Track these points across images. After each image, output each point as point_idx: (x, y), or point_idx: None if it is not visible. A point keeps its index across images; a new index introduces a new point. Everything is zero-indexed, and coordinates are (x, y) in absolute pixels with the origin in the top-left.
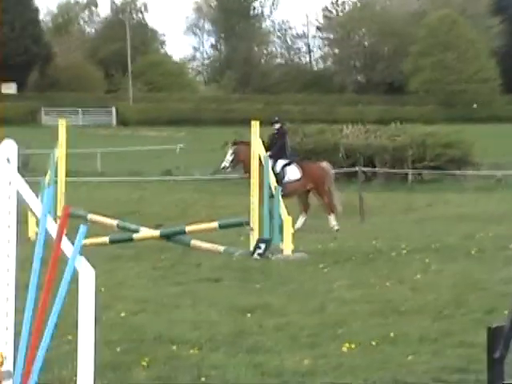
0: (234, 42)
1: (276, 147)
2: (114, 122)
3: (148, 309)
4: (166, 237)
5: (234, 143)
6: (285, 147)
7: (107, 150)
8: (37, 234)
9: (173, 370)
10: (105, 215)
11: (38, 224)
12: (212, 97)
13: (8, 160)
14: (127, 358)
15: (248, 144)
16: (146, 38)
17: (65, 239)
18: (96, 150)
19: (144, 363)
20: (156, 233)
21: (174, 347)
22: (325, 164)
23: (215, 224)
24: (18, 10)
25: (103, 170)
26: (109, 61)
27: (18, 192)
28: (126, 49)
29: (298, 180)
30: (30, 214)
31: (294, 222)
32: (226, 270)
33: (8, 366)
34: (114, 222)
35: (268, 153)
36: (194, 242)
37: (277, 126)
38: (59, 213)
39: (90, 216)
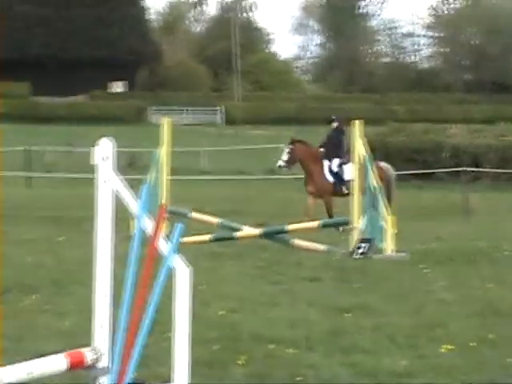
0: (340, 40)
1: (331, 144)
2: (221, 120)
3: (246, 307)
4: (268, 235)
5: (291, 142)
6: (341, 145)
7: (212, 148)
8: None
9: (269, 369)
10: (208, 213)
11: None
12: (318, 95)
13: (105, 158)
14: (224, 355)
15: (304, 143)
16: (253, 37)
17: (161, 237)
18: (202, 149)
19: (241, 361)
20: (257, 231)
21: (271, 346)
22: (383, 164)
23: (317, 223)
24: (128, 9)
25: (208, 168)
26: (216, 59)
27: (114, 190)
28: (233, 47)
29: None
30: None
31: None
32: (326, 270)
33: (104, 362)
34: (216, 221)
35: (321, 149)
36: (295, 241)
37: (335, 124)
38: None
39: (193, 214)
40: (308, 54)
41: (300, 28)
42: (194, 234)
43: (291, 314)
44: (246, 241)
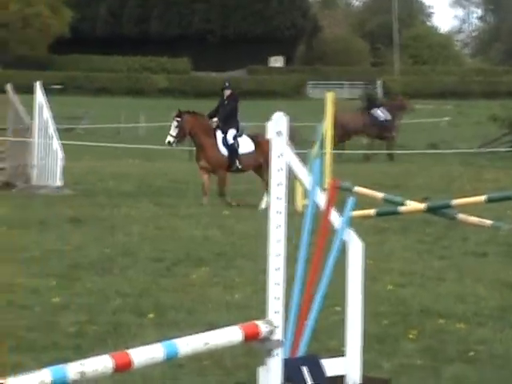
0: (501, 13)
1: (225, 113)
2: (380, 94)
3: (414, 282)
4: (432, 210)
5: (178, 114)
6: (236, 115)
7: None
8: (304, 206)
9: (440, 343)
10: (370, 188)
11: (305, 196)
12: (478, 69)
13: (279, 133)
14: (394, 330)
15: (194, 114)
16: (413, 11)
17: (333, 211)
18: None
19: (411, 336)
20: (422, 206)
21: (441, 321)
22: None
23: (483, 198)
24: None
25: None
26: (374, 34)
27: (288, 164)
28: (392, 21)
29: (251, 153)
30: (296, 186)
31: None
32: (493, 245)
33: (278, 335)
34: (380, 195)
35: (215, 119)
36: (461, 216)
37: (227, 92)
38: (326, 185)
39: (356, 188)
40: (468, 27)
41: (460, 0)
42: (357, 209)
43: (459, 288)
44: (409, 215)
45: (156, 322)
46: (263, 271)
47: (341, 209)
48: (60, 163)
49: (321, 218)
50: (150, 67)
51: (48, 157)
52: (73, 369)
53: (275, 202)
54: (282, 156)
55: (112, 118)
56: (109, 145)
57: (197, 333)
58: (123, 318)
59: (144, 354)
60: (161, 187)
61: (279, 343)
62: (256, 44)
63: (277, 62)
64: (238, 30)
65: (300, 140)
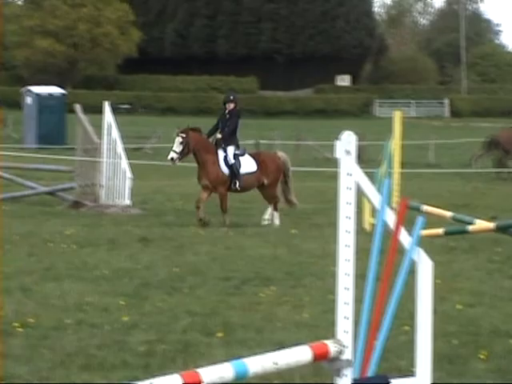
0: None
1: (228, 130)
2: (447, 113)
3: (484, 302)
4: (502, 229)
5: (183, 131)
6: (236, 132)
7: (440, 141)
8: (372, 224)
9: (511, 364)
10: (438, 207)
11: (374, 215)
12: None
13: (348, 152)
14: (464, 350)
15: (198, 131)
16: (480, 29)
17: (403, 230)
18: (429, 142)
19: (481, 356)
20: (491, 225)
21: None
22: (281, 154)
23: None
24: (353, 2)
25: (436, 161)
26: (441, 52)
27: (357, 183)
28: (460, 40)
29: (253, 173)
30: (364, 205)
31: None
32: None
33: (348, 354)
34: (448, 214)
35: (218, 135)
36: None
37: (231, 105)
38: (394, 204)
39: (425, 207)
40: None
41: None
42: (426, 228)
43: None
44: (478, 234)
45: (225, 341)
46: (331, 290)
47: (409, 228)
48: (128, 182)
49: (390, 237)
50: (217, 87)
51: (116, 176)
52: None
53: (344, 221)
54: (351, 175)
55: None
56: (178, 164)
57: (265, 352)
58: (192, 337)
59: (213, 374)
60: (228, 207)
61: (349, 363)
62: (323, 63)
63: (344, 80)
64: (305, 50)
65: (364, 158)
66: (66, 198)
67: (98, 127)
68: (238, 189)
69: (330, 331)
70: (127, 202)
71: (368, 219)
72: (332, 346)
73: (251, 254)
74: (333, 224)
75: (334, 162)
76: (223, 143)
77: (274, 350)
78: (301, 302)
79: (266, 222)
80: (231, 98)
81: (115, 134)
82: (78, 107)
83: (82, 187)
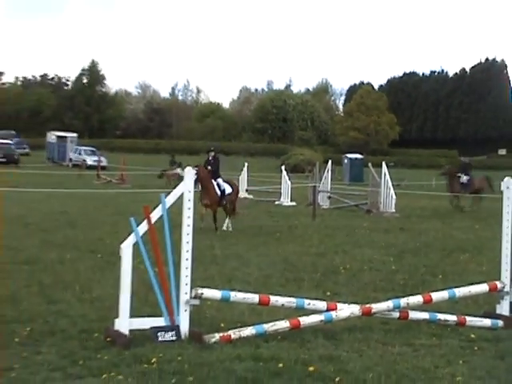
0: None
1: (215, 167)
2: None
3: None
4: None
5: (196, 165)
6: (218, 169)
7: None
8: None
9: None
10: None
11: None
12: None
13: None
14: None
15: (202, 166)
16: None
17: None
18: None
19: None
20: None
21: None
22: (235, 181)
23: None
24: None
25: None
26: None
27: None
28: None
29: (230, 193)
30: None
31: None
32: None
33: (507, 288)
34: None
35: (209, 168)
36: None
37: (212, 154)
38: None
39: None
40: None
41: None
42: None
43: None
44: None
45: (442, 281)
46: None
47: None
48: (393, 200)
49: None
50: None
51: (388, 197)
52: None
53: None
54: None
55: (421, 179)
56: (419, 192)
57: (461, 286)
58: (425, 278)
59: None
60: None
61: (507, 293)
62: (489, 140)
63: (502, 151)
64: (487, 133)
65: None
66: (363, 208)
67: (379, 173)
68: (225, 203)
69: (498, 276)
70: (393, 210)
71: None
72: (499, 284)
73: (455, 236)
74: None
75: None
76: (213, 176)
77: (469, 285)
78: (481, 262)
79: (230, 229)
80: (212, 148)
81: (387, 176)
82: (369, 164)
83: (371, 203)
